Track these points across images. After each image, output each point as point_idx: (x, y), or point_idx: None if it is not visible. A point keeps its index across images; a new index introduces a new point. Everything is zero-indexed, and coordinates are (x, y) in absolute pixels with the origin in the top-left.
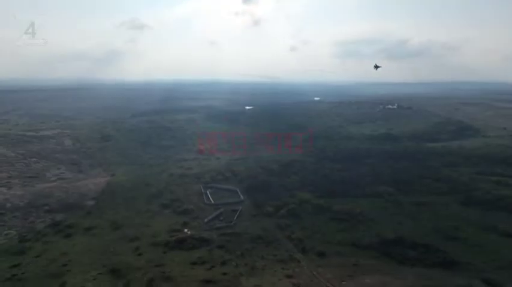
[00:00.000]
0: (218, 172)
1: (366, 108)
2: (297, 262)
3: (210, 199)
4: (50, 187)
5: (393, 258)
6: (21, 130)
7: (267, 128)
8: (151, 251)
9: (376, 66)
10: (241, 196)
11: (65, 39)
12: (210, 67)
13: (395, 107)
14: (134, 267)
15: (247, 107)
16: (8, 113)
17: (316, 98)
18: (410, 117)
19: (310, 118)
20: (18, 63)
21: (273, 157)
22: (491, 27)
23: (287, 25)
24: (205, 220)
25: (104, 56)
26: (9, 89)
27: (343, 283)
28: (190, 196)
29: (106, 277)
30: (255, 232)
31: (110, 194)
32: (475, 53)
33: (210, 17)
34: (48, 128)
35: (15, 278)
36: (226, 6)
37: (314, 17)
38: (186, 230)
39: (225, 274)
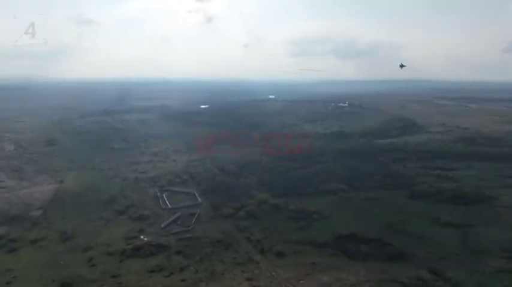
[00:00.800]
0: (175, 175)
1: (318, 107)
2: (256, 264)
3: (167, 203)
4: None
5: (348, 254)
6: None
7: (224, 127)
8: (106, 261)
9: (402, 65)
10: (199, 199)
11: (3, 35)
12: (163, 65)
13: (346, 105)
14: (87, 279)
15: (202, 106)
16: None
17: (271, 97)
18: (361, 115)
19: (266, 117)
20: None
21: (231, 157)
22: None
23: (241, 23)
24: (162, 225)
25: (49, 52)
26: None
27: (301, 282)
28: (145, 200)
29: None
30: (214, 235)
31: (58, 203)
32: (419, 53)
33: (161, 14)
34: None
35: None
36: (179, 2)
37: (267, 15)
38: (142, 236)
39: (183, 280)
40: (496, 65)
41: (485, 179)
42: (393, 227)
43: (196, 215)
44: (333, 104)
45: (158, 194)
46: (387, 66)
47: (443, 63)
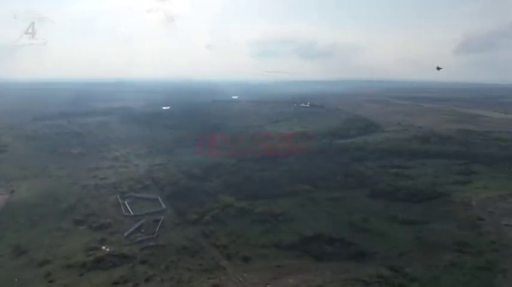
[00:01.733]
0: (137, 180)
1: (281, 107)
2: (223, 270)
3: (129, 210)
4: None
5: (313, 255)
6: None
7: (187, 129)
8: (65, 275)
9: (438, 68)
10: (163, 205)
11: None
12: (123, 66)
13: (308, 105)
14: None
15: (164, 108)
16: None
17: (234, 97)
18: (322, 115)
19: (229, 118)
20: None
21: (195, 160)
22: (388, 31)
23: (203, 23)
24: (125, 234)
25: None
26: None
27: (268, 286)
28: (107, 208)
29: None
30: (180, 242)
31: (10, 215)
32: (375, 54)
33: (120, 13)
34: None
35: None
36: (138, 1)
37: (231, 16)
38: (104, 247)
39: None
40: (447, 65)
41: (438, 176)
42: (355, 226)
43: (161, 221)
44: (295, 104)
45: (120, 201)
46: (345, 66)
47: (398, 64)
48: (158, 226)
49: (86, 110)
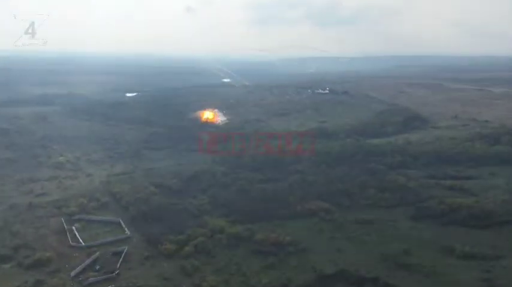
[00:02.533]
0: (90, 196)
1: (290, 94)
2: None
3: (79, 238)
4: None
5: None
6: None
7: (159, 124)
8: None
9: None
10: (127, 231)
11: None
12: (70, 34)
13: (327, 91)
14: None
15: (128, 95)
16: None
17: (225, 80)
18: (347, 105)
19: (219, 110)
20: None
21: (171, 167)
22: None
23: None
24: (72, 274)
25: None
26: None
27: None
28: (45, 237)
29: None
30: (151, 284)
31: None
32: (422, 19)
33: None
34: None
35: None
36: None
37: None
38: None
39: None
40: None
41: None
42: (394, 261)
43: (124, 254)
44: (309, 90)
45: (65, 226)
46: (377, 37)
47: (453, 33)
48: (120, 261)
49: (17, 96)
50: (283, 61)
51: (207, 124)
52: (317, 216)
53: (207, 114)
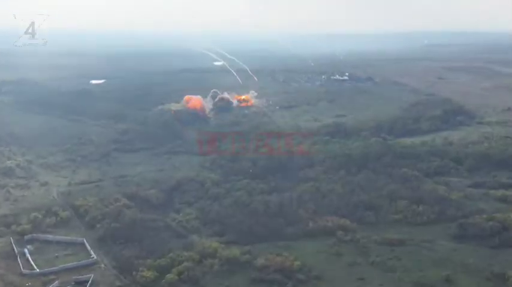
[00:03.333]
0: (46, 211)
1: (299, 81)
2: None
3: (33, 263)
4: None
5: None
6: None
7: (134, 119)
8: None
9: None
10: (93, 253)
11: None
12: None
13: (345, 78)
14: None
15: (95, 82)
16: None
17: (217, 63)
18: (371, 95)
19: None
20: None
21: (149, 174)
22: None
23: None
24: None
25: None
26: None
27: None
28: None
29: None
30: None
31: None
32: None
33: None
34: None
35: None
36: None
37: None
38: None
39: None
40: None
41: None
42: None
43: (89, 284)
44: (323, 77)
45: (15, 248)
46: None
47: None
48: None
49: None
50: (289, 39)
51: (195, 119)
52: (334, 235)
53: (195, 103)
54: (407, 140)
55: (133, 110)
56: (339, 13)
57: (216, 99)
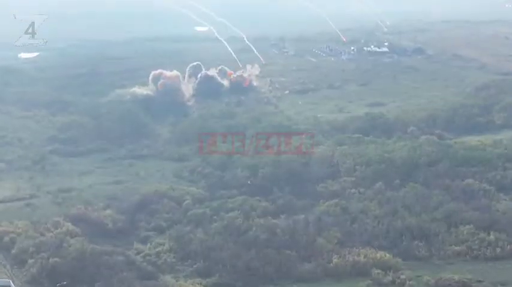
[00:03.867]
0: None
1: (318, 54)
2: None
3: None
4: None
5: None
6: None
7: (80, 109)
8: None
9: None
10: None
11: None
12: None
13: (384, 49)
14: None
15: (24, 56)
16: None
17: (199, 29)
18: (422, 74)
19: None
20: None
21: (102, 186)
22: None
23: None
24: None
25: None
26: None
27: None
28: None
29: None
30: None
31: None
32: None
33: None
34: None
35: None
36: None
37: None
38: None
39: None
40: None
41: None
42: None
43: None
44: (352, 48)
45: None
46: None
47: None
48: None
49: None
50: None
51: (169, 108)
52: (368, 276)
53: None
54: (473, 139)
55: (78, 96)
56: None
57: (199, 79)
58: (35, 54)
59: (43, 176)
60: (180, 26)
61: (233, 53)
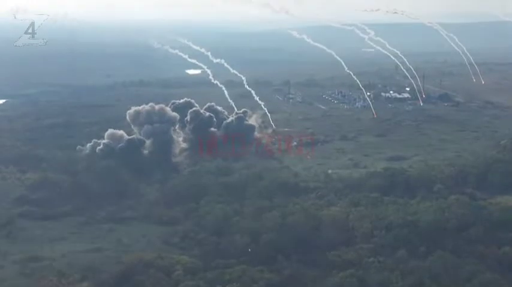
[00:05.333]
0: None
1: (329, 101)
2: None
3: None
4: None
5: None
6: None
7: (53, 166)
8: None
9: None
10: None
11: None
12: None
13: (406, 95)
14: None
15: None
16: None
17: (191, 72)
18: (448, 124)
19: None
20: None
21: (78, 255)
22: None
23: None
24: None
25: None
26: None
27: None
28: None
29: None
30: None
31: None
32: None
33: None
34: None
35: None
36: None
37: None
38: None
39: None
40: None
41: None
42: None
43: None
44: (368, 93)
45: None
46: None
47: None
48: None
49: None
50: (311, 30)
51: (156, 165)
52: None
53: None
54: (510, 200)
55: (52, 149)
56: None
57: (189, 118)
58: (1, 101)
59: (9, 242)
60: (171, 67)
61: (229, 99)
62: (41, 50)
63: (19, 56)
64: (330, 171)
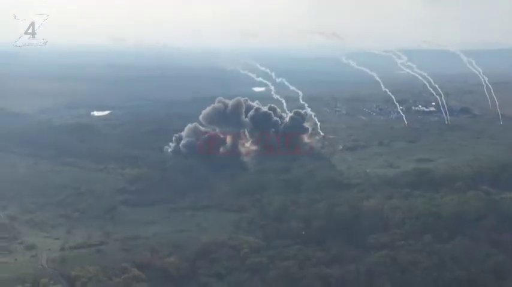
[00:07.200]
0: (32, 283)
1: (368, 113)
2: None
3: None
4: None
5: None
6: None
7: (148, 163)
8: None
9: None
10: None
11: None
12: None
13: (432, 109)
14: None
15: (97, 114)
16: None
17: (257, 89)
18: (469, 132)
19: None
20: None
21: (167, 235)
22: None
23: None
24: None
25: None
26: None
27: None
28: None
29: None
30: None
31: None
32: None
33: None
34: None
35: None
36: None
37: None
38: None
39: None
40: None
41: None
42: None
43: None
44: (401, 107)
45: None
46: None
47: None
48: None
49: None
50: (356, 56)
51: (227, 163)
52: None
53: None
54: None
55: (146, 150)
56: (428, 23)
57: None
58: (107, 112)
59: (112, 224)
60: (240, 86)
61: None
62: (139, 73)
63: (122, 76)
64: (368, 170)
